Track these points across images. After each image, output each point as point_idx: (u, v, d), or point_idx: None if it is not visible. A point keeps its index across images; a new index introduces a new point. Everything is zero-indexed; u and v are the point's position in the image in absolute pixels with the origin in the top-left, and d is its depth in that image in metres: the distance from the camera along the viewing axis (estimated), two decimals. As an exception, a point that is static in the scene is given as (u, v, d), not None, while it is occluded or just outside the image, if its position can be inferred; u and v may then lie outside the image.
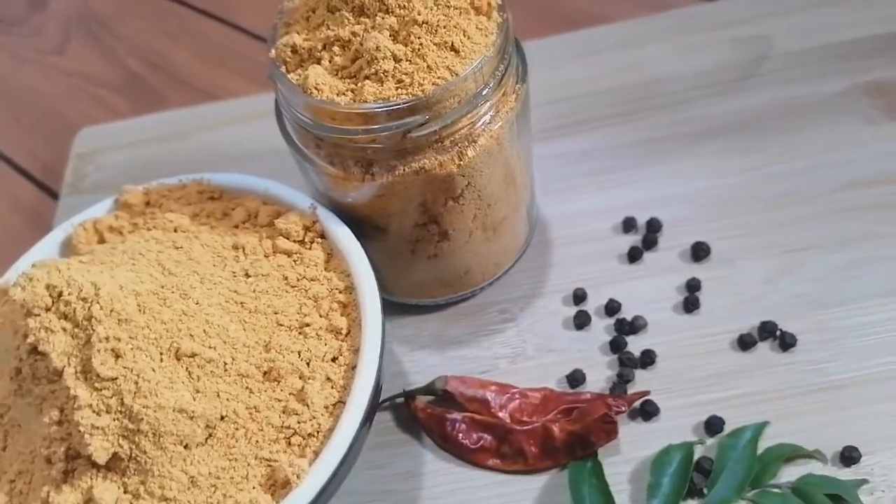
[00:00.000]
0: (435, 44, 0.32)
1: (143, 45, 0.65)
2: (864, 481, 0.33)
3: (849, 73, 0.48)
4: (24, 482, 0.30)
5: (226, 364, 0.31)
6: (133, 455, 0.28)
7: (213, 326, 0.31)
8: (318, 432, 0.31)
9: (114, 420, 0.28)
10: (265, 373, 0.32)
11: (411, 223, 0.37)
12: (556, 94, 0.51)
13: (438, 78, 0.32)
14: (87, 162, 0.55)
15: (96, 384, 0.28)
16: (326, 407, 0.31)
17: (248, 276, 0.34)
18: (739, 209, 0.44)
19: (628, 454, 0.36)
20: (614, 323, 0.40)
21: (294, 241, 0.36)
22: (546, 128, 0.49)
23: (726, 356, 0.38)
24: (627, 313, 0.41)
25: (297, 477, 0.29)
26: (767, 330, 0.38)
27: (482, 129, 0.34)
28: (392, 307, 0.42)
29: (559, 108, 0.50)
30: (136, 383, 0.28)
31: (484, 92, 0.33)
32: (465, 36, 0.33)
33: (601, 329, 0.41)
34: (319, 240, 0.36)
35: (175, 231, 0.36)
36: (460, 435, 0.37)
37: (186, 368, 0.30)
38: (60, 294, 0.28)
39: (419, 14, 0.32)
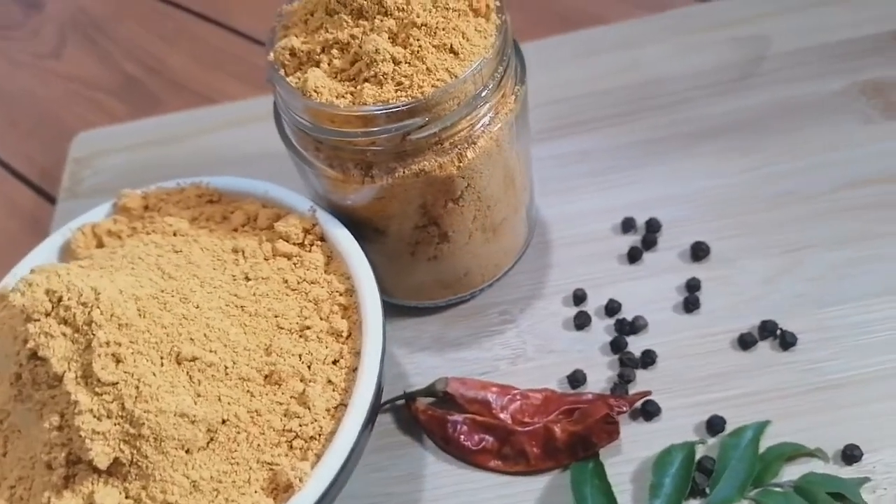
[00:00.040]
0: (434, 46, 0.32)
1: (140, 49, 0.65)
2: (866, 479, 0.33)
3: (847, 72, 0.48)
4: (24, 488, 0.30)
5: (226, 368, 0.31)
6: (134, 460, 0.28)
7: (214, 330, 0.31)
8: (319, 435, 0.31)
9: (115, 425, 0.28)
10: (266, 376, 0.32)
11: (411, 225, 0.37)
12: (555, 95, 0.51)
13: (438, 80, 0.32)
14: (85, 166, 0.55)
15: (97, 389, 0.28)
16: (328, 410, 0.31)
17: (248, 279, 0.34)
18: (739, 209, 0.44)
19: (630, 454, 0.36)
20: (614, 323, 0.40)
21: (294, 244, 0.36)
22: (545, 129, 0.49)
23: (727, 356, 0.38)
24: (628, 313, 0.41)
25: (300, 480, 0.29)
26: (768, 329, 0.38)
27: (482, 131, 0.34)
28: (392, 309, 0.42)
29: (558, 108, 0.50)
30: (137, 388, 0.28)
31: (483, 94, 0.33)
32: (464, 38, 0.33)
33: (601, 329, 0.41)
34: (319, 242, 0.36)
35: (174, 235, 0.36)
36: (461, 436, 0.37)
37: (187, 372, 0.30)
38: (60, 299, 0.28)
39: (418, 16, 0.32)
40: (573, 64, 0.52)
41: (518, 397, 0.38)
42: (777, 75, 0.49)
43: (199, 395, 0.30)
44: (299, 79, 0.33)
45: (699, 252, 0.42)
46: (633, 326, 0.40)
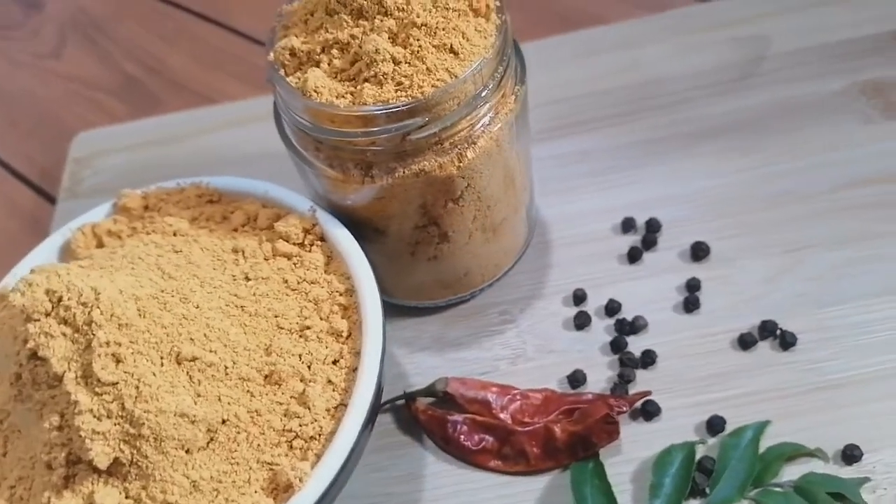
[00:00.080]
0: (434, 46, 0.32)
1: (140, 49, 0.65)
2: (866, 479, 0.33)
3: (847, 72, 0.48)
4: (24, 488, 0.30)
5: (226, 368, 0.31)
6: (134, 460, 0.28)
7: (214, 330, 0.31)
8: (319, 435, 0.31)
9: (115, 425, 0.28)
10: (266, 376, 0.32)
11: (411, 225, 0.37)
12: (555, 95, 0.51)
13: (438, 80, 0.32)
14: (85, 166, 0.55)
15: (97, 389, 0.28)
16: (328, 410, 0.31)
17: (248, 279, 0.34)
18: (738, 209, 0.44)
19: (630, 454, 0.36)
20: (614, 323, 0.40)
21: (294, 244, 0.36)
22: (544, 129, 0.49)
23: (727, 356, 0.38)
24: (628, 313, 0.41)
25: (300, 480, 0.29)
26: (768, 329, 0.38)
27: (482, 131, 0.34)
28: (392, 309, 0.42)
29: (557, 108, 0.50)
30: (137, 388, 0.28)
31: (483, 94, 0.33)
32: (464, 38, 0.33)
33: (601, 329, 0.41)
34: (319, 242, 0.36)
35: (174, 235, 0.36)
36: (461, 436, 0.37)
37: (187, 372, 0.30)
38: (60, 299, 0.28)
39: (418, 16, 0.32)
40: (573, 64, 0.52)
41: (518, 397, 0.38)
42: (777, 75, 0.49)
43: (199, 395, 0.30)
44: (299, 79, 0.33)
45: (699, 252, 0.42)
46: (633, 326, 0.40)
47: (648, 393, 0.37)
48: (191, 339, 0.30)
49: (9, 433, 0.31)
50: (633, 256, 0.43)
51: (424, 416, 0.38)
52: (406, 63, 0.32)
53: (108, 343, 0.28)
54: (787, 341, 0.38)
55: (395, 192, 0.35)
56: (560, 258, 0.44)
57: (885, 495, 0.33)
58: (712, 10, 0.54)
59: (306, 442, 0.31)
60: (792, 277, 0.40)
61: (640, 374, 0.39)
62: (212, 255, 0.35)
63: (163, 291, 0.31)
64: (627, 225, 0.44)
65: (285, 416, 0.31)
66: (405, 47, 0.32)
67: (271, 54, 0.35)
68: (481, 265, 0.41)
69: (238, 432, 0.30)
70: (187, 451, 0.29)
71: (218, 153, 0.53)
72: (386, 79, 0.32)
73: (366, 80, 0.32)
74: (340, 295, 0.34)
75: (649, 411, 0.37)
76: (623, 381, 0.38)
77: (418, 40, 0.32)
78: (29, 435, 0.30)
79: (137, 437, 0.28)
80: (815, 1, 0.52)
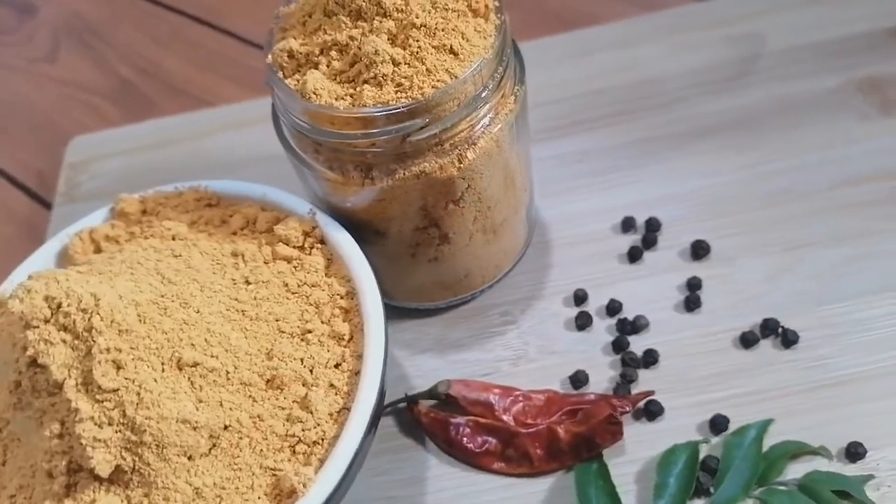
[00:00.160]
0: (433, 47, 0.32)
1: (135, 53, 0.65)
2: (871, 476, 0.33)
3: (843, 69, 0.48)
4: (24, 497, 0.30)
5: (228, 373, 0.30)
6: (136, 467, 0.28)
7: (215, 335, 0.31)
8: (322, 440, 0.30)
9: (116, 432, 0.28)
10: (268, 381, 0.31)
11: (411, 227, 0.36)
12: (553, 95, 0.51)
13: (438, 81, 0.32)
14: (81, 171, 0.54)
15: (98, 396, 0.28)
16: (331, 414, 0.31)
17: (248, 283, 0.34)
18: (737, 207, 0.44)
19: (634, 455, 0.36)
20: (616, 323, 0.40)
21: (294, 247, 0.36)
22: (543, 129, 0.49)
23: (729, 354, 0.38)
24: (629, 313, 0.41)
25: (304, 486, 0.29)
26: (769, 327, 0.38)
27: (482, 132, 0.34)
28: (392, 311, 0.42)
29: (556, 108, 0.50)
30: (138, 394, 0.28)
31: (483, 94, 0.33)
32: (463, 38, 0.32)
33: (603, 329, 0.41)
34: (319, 245, 0.36)
35: (173, 239, 0.36)
36: (464, 439, 0.37)
37: (189, 378, 0.30)
38: (59, 305, 0.28)
39: (417, 17, 0.32)
40: (569, 63, 0.52)
41: (520, 399, 0.38)
42: (772, 73, 0.49)
43: (200, 401, 0.29)
44: (298, 81, 0.33)
45: (699, 251, 0.42)
46: (635, 326, 0.40)
47: (651, 393, 0.37)
48: (192, 344, 0.30)
49: (8, 441, 0.31)
50: (634, 256, 0.42)
51: (427, 419, 0.38)
52: (406, 64, 0.32)
53: (108, 349, 0.28)
54: (788, 339, 0.38)
55: (396, 194, 0.34)
56: (560, 258, 0.43)
57: (890, 492, 0.33)
58: (707, 8, 0.54)
59: (309, 447, 0.30)
60: (792, 275, 0.40)
61: (643, 374, 0.38)
62: (211, 259, 0.35)
63: (163, 296, 0.31)
64: (627, 224, 0.44)
65: (288, 420, 0.31)
66: (404, 48, 0.32)
67: (269, 56, 0.35)
68: (482, 266, 0.41)
69: (240, 438, 0.30)
70: (189, 458, 0.29)
71: (215, 156, 0.52)
72: (385, 80, 0.32)
73: (365, 82, 0.32)
74: (341, 298, 0.34)
75: (652, 411, 0.37)
76: (625, 381, 0.38)
77: (418, 41, 0.32)
78: (29, 443, 0.30)
79: (139, 445, 0.28)
80: (809, -1, 0.52)
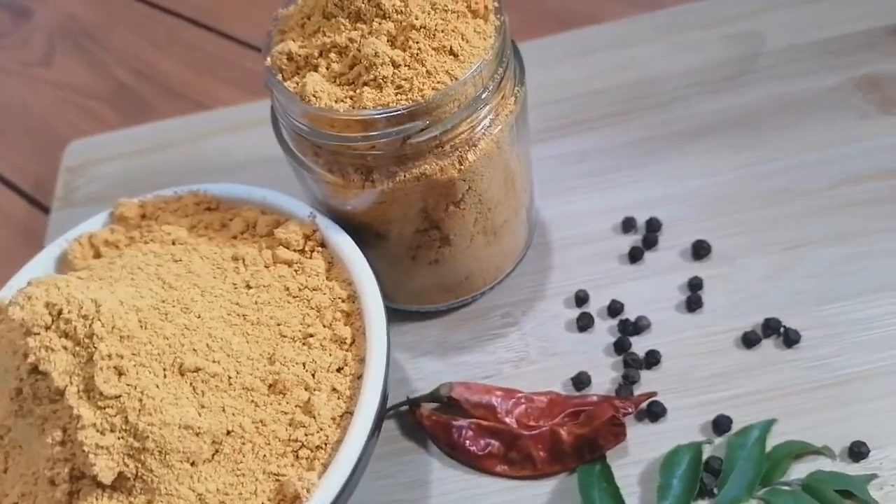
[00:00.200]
0: (433, 48, 0.32)
1: (131, 56, 0.65)
2: (874, 476, 0.33)
3: (842, 68, 0.48)
4: (26, 504, 0.30)
5: (230, 378, 0.30)
6: (139, 474, 0.28)
7: (216, 340, 0.31)
8: (326, 444, 0.30)
9: (118, 439, 0.28)
10: (270, 385, 0.31)
11: (412, 229, 0.36)
12: (552, 96, 0.50)
13: (438, 82, 0.32)
14: (78, 175, 0.54)
15: (100, 403, 0.28)
16: (333, 418, 0.31)
17: (249, 287, 0.34)
18: (737, 206, 0.44)
19: (637, 456, 0.36)
20: (617, 324, 0.40)
21: (294, 251, 0.35)
22: (542, 129, 0.49)
23: (731, 354, 0.38)
24: (630, 314, 0.40)
25: (307, 491, 0.29)
26: (771, 327, 0.38)
27: (482, 133, 0.34)
28: (393, 314, 0.42)
29: (555, 109, 0.50)
30: (141, 400, 0.28)
31: (483, 95, 0.33)
32: (463, 40, 0.32)
33: (604, 330, 0.40)
34: (320, 249, 0.36)
35: (173, 244, 0.36)
36: (467, 442, 0.37)
37: (190, 384, 0.29)
38: (60, 312, 0.28)
39: (417, 19, 0.32)
40: (568, 64, 0.52)
41: (523, 401, 0.38)
42: (772, 72, 0.49)
43: (203, 407, 0.29)
44: (297, 83, 0.33)
45: (700, 251, 0.42)
46: (637, 327, 0.40)
47: (654, 394, 0.37)
48: (193, 349, 0.30)
49: (10, 449, 0.31)
50: (635, 256, 0.42)
51: (429, 422, 0.38)
52: (405, 66, 0.32)
53: (109, 356, 0.28)
54: (790, 339, 0.38)
55: (396, 197, 0.34)
56: (561, 259, 0.43)
57: (893, 491, 0.33)
58: (706, 7, 0.54)
59: (312, 451, 0.30)
60: (792, 275, 0.40)
61: (645, 375, 0.38)
62: (212, 263, 0.35)
63: (164, 302, 0.31)
64: (628, 225, 0.44)
65: (290, 425, 0.31)
66: (404, 50, 0.32)
67: (268, 59, 0.34)
68: (482, 268, 0.40)
69: (243, 443, 0.30)
70: (192, 464, 0.29)
71: (213, 159, 0.52)
72: (385, 82, 0.32)
73: (365, 84, 0.32)
74: (343, 301, 0.34)
75: (655, 412, 0.37)
76: (628, 382, 0.38)
77: (417, 43, 0.32)
78: (31, 450, 0.29)
79: (142, 451, 0.28)
80: (808, -3, 0.52)
